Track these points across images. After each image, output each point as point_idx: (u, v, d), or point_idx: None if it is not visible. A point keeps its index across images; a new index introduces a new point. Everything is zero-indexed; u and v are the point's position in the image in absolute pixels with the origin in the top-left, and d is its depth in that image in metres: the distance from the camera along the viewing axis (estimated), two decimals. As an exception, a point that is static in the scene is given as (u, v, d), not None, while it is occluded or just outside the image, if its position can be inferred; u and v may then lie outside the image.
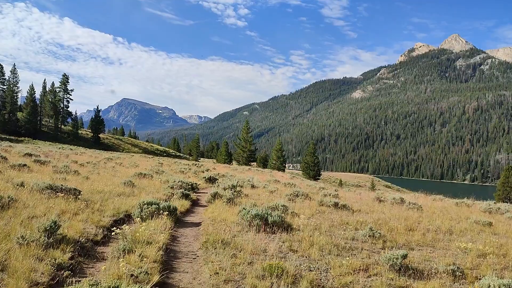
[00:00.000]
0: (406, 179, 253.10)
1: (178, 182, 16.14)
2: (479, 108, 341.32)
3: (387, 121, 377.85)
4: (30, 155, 26.76)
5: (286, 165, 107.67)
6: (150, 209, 9.19)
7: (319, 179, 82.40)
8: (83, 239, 7.00)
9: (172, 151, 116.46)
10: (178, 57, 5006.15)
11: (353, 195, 20.21)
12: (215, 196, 13.26)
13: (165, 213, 8.84)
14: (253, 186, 19.32)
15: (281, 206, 11.10)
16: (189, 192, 14.03)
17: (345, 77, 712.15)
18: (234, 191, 14.69)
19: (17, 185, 11.39)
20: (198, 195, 16.45)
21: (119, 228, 7.03)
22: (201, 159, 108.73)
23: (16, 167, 17.40)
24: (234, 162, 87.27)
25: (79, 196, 10.64)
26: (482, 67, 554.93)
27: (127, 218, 9.48)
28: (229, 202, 12.57)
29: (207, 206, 13.08)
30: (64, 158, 31.01)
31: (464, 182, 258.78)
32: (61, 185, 10.89)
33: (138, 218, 7.87)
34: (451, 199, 21.63)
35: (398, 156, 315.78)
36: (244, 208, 10.02)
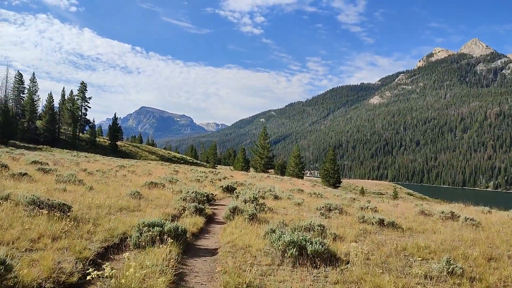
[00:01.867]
0: (426, 186, 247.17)
1: (192, 193, 14.06)
2: (501, 113, 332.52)
3: (406, 127, 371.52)
4: (37, 163, 25.12)
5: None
6: (151, 232, 7.06)
7: (339, 186, 79.77)
8: (49, 284, 4.89)
9: (189, 158, 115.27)
10: (195, 65, 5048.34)
11: (390, 207, 17.79)
12: (234, 211, 11.09)
13: (170, 240, 6.67)
14: (276, 197, 17.12)
15: (317, 226, 8.86)
16: (203, 206, 11.86)
17: (363, 83, 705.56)
18: (256, 204, 12.53)
19: (1, 198, 9.48)
20: (214, 208, 14.35)
21: (98, 269, 4.85)
22: (218, 166, 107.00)
23: (16, 176, 15.63)
24: (251, 169, 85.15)
25: (68, 213, 8.61)
26: (503, 71, 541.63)
27: (123, 244, 7.35)
28: (252, 219, 10.40)
29: (225, 223, 10.94)
30: (74, 166, 29.35)
31: (487, 189, 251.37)
32: (47, 199, 8.88)
33: (127, 254, 5.62)
34: (500, 211, 18.98)
35: (418, 162, 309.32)
36: (272, 230, 7.84)
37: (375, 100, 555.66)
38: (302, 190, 23.35)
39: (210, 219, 11.78)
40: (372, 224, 10.93)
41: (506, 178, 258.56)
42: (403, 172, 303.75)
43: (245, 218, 10.36)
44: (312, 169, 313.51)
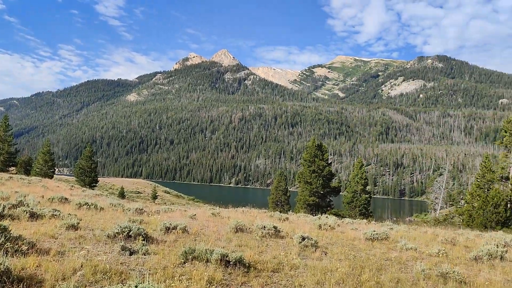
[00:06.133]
0: (178, 183, 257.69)
1: None
2: (243, 118, 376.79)
3: (161, 126, 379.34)
4: None
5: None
6: None
7: (95, 186, 72.57)
8: None
9: None
10: None
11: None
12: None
13: None
14: (33, 215, 11.22)
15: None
16: None
17: (120, 78, 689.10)
18: (5, 239, 7.06)
19: None
20: None
21: None
22: None
23: None
24: (-16, 167, 68.58)
25: None
26: (246, 82, 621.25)
27: None
28: None
29: None
30: None
31: (230, 185, 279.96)
32: None
33: None
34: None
35: (172, 160, 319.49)
36: None
37: (132, 97, 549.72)
38: (66, 199, 17.55)
39: None
40: None
41: (244, 175, 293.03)
42: (157, 169, 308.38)
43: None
44: (61, 166, 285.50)
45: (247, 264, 7.50)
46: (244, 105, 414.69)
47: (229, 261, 7.31)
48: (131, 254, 7.71)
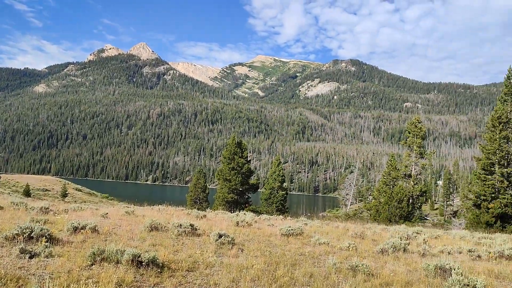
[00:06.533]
0: (91, 180, 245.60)
1: None
2: (162, 114, 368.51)
3: (73, 120, 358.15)
4: None
5: None
6: None
7: (-4, 184, 66.70)
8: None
9: None
10: None
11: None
12: None
13: None
14: None
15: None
16: None
17: (27, 68, 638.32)
18: None
19: None
20: None
21: None
22: None
23: None
24: None
25: None
26: (165, 77, 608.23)
27: None
28: None
29: None
30: None
31: (147, 183, 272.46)
32: None
33: None
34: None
35: (84, 156, 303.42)
36: None
37: (40, 88, 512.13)
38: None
39: None
40: None
41: (162, 172, 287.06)
42: (68, 166, 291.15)
43: None
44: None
45: (160, 264, 7.23)
46: (163, 100, 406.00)
47: (141, 262, 6.98)
48: (31, 257, 7.06)
